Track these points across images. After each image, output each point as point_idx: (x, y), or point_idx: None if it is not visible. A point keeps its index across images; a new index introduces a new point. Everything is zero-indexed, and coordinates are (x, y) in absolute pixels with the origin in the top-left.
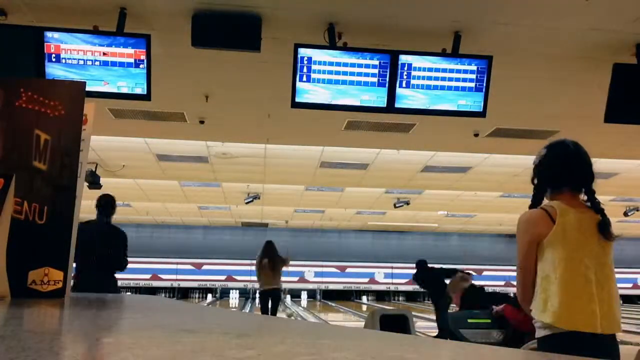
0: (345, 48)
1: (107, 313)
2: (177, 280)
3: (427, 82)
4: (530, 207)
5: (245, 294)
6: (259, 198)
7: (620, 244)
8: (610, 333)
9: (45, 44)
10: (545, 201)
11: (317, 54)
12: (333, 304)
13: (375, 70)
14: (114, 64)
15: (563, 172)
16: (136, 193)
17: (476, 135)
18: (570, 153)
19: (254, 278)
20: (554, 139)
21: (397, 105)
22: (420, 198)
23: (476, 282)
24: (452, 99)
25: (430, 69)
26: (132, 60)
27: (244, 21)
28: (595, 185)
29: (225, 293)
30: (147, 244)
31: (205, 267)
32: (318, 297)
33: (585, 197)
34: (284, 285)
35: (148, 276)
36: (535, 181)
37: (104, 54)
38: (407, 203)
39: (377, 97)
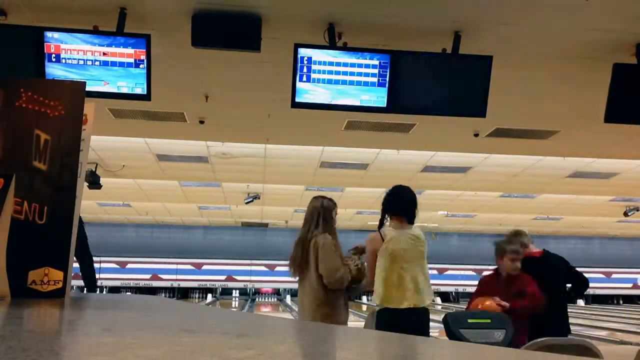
0: (345, 48)
1: (107, 313)
2: (177, 280)
3: (427, 82)
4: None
5: (245, 294)
6: (259, 198)
7: (621, 244)
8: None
9: (45, 44)
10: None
11: (317, 54)
12: None
13: (376, 70)
14: (114, 64)
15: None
16: (136, 193)
17: (476, 135)
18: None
19: (254, 278)
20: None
21: (397, 105)
22: (420, 198)
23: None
24: (451, 98)
25: (430, 69)
26: (132, 60)
27: (244, 21)
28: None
29: (227, 293)
30: (147, 244)
31: (205, 267)
32: None
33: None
34: (284, 285)
35: (148, 276)
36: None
37: (104, 54)
38: None
39: (377, 97)
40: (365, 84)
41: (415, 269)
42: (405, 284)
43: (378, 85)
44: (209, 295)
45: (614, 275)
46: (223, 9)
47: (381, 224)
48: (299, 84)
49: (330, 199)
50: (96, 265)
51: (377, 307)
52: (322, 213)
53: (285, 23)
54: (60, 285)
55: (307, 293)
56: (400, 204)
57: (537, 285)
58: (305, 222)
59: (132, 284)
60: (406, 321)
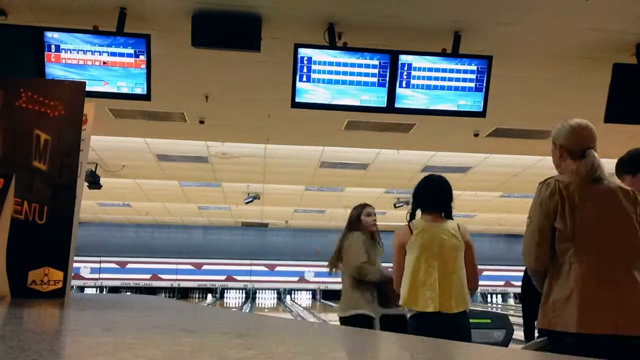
0: (345, 48)
1: (107, 313)
2: (177, 280)
3: (427, 82)
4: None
5: (244, 293)
6: (259, 198)
7: None
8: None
9: (45, 44)
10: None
11: (317, 54)
12: (333, 304)
13: (375, 70)
14: (114, 64)
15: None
16: (136, 193)
17: (476, 135)
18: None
19: (254, 278)
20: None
21: (397, 105)
22: None
23: None
24: (452, 99)
25: (430, 69)
26: (132, 60)
27: (244, 21)
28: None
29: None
30: (147, 244)
31: (205, 267)
32: (318, 297)
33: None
34: (284, 285)
35: (148, 276)
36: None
37: (104, 54)
38: (407, 203)
39: (377, 97)
40: (365, 84)
41: (447, 268)
42: (433, 283)
43: (378, 85)
44: (209, 296)
45: None
46: (223, 9)
47: (412, 217)
48: (299, 84)
49: (360, 205)
50: (96, 266)
51: (407, 312)
52: (349, 218)
53: (285, 23)
54: (60, 285)
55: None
56: (431, 194)
57: None
58: None
59: (132, 284)
60: (435, 327)
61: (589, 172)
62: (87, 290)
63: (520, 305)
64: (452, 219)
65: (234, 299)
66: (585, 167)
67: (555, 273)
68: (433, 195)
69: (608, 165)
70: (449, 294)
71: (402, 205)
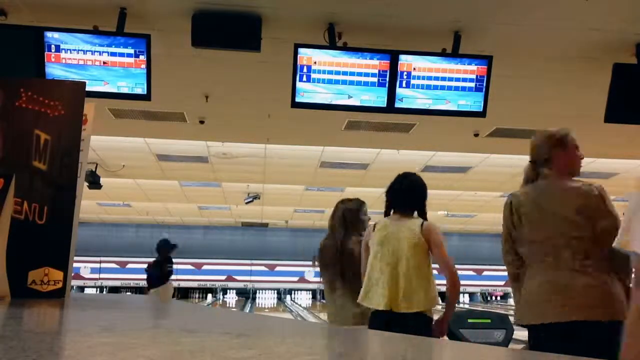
0: (345, 48)
1: (107, 313)
2: (177, 280)
3: (427, 82)
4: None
5: (245, 293)
6: (259, 198)
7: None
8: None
9: (45, 44)
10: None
11: (317, 54)
12: None
13: (375, 70)
14: (114, 64)
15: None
16: (136, 193)
17: (476, 135)
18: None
19: (254, 278)
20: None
21: (397, 105)
22: None
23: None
24: (452, 99)
25: (430, 69)
26: (132, 60)
27: (244, 21)
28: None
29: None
30: (147, 244)
31: (205, 267)
32: (318, 297)
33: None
34: (284, 285)
35: None
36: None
37: (104, 54)
38: None
39: (377, 97)
40: (365, 84)
41: (401, 267)
42: (386, 281)
43: (378, 85)
44: (209, 296)
45: None
46: (223, 9)
47: (386, 215)
48: (299, 84)
49: (357, 199)
50: (96, 265)
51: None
52: (348, 213)
53: (285, 23)
54: (60, 285)
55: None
56: (396, 193)
57: None
58: None
59: (132, 284)
60: (387, 325)
61: (526, 176)
62: (87, 290)
63: None
64: (426, 219)
65: (233, 299)
66: (525, 174)
67: (524, 275)
68: (403, 194)
69: (608, 165)
70: (398, 293)
71: None
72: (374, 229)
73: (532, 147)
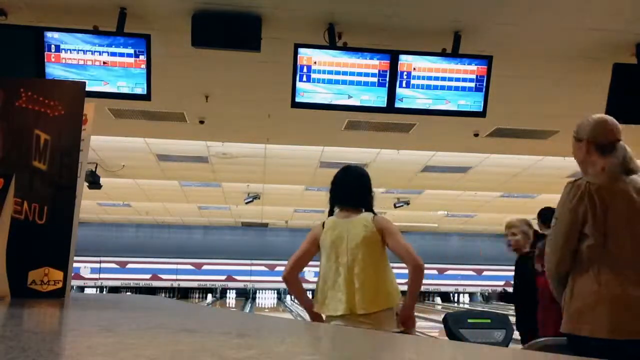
0: (345, 48)
1: (107, 313)
2: (177, 280)
3: (427, 82)
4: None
5: (244, 293)
6: (259, 198)
7: None
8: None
9: (45, 44)
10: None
11: (317, 54)
12: None
13: (375, 70)
14: (114, 63)
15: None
16: (136, 193)
17: (476, 135)
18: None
19: (254, 278)
20: None
21: (397, 105)
22: (420, 198)
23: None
24: (452, 99)
25: (430, 69)
26: (132, 60)
27: (244, 21)
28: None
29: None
30: (147, 244)
31: (205, 267)
32: None
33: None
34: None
35: (148, 276)
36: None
37: (104, 54)
38: (407, 203)
39: (377, 97)
40: (365, 84)
41: (357, 265)
42: (342, 282)
43: (378, 85)
44: (209, 296)
45: None
46: (223, 9)
47: (330, 214)
48: (298, 84)
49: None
50: (96, 266)
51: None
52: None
53: (285, 23)
54: (60, 285)
55: None
56: (340, 189)
57: None
58: None
59: (132, 284)
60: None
61: (622, 165)
62: (87, 290)
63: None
64: (374, 213)
65: (232, 299)
66: (617, 160)
67: (580, 277)
68: (350, 188)
69: None
70: (355, 294)
71: (402, 205)
72: (322, 227)
73: None
